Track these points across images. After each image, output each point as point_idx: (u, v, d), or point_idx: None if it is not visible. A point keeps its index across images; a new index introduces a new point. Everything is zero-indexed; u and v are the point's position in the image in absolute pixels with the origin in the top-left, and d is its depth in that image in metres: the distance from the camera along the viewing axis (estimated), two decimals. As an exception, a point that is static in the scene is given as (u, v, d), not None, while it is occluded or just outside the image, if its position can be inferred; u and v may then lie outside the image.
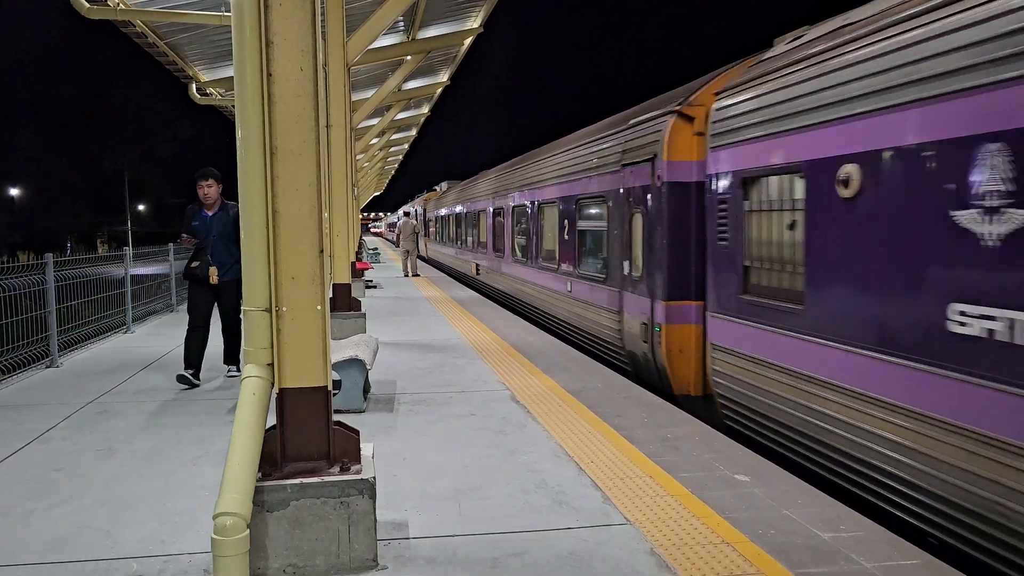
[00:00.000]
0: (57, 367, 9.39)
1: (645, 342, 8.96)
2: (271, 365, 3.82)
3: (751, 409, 6.84)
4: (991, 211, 4.22)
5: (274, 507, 3.69)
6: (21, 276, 9.35)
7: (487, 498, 4.86)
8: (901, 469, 4.89)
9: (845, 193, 5.42)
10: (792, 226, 6.25)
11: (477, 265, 21.93)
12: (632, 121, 9.72)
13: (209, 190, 8.22)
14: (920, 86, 4.72)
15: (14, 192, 65.26)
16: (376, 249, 39.58)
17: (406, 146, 41.28)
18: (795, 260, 6.21)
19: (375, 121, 24.10)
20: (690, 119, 8.30)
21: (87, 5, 10.19)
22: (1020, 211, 4.04)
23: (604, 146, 10.70)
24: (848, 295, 5.44)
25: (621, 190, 9.79)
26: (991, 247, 4.23)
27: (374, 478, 3.82)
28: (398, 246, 28.15)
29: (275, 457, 3.83)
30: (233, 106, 4.94)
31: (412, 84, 21.57)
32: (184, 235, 8.34)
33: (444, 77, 21.94)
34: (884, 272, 5.07)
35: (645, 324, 8.98)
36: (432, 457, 5.73)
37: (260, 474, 3.72)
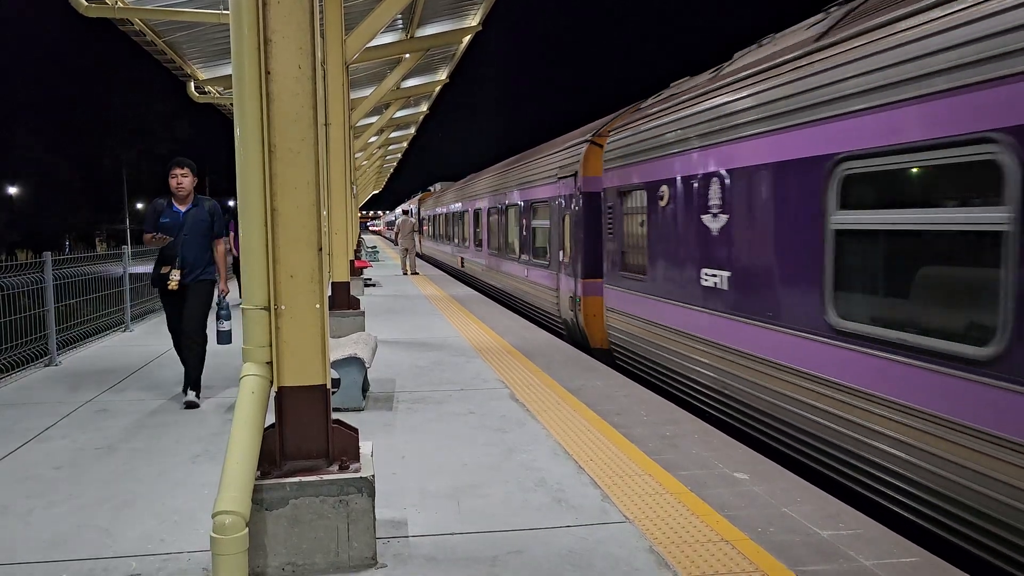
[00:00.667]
0: (56, 366, 9.38)
1: (571, 311, 12.14)
2: (270, 363, 3.82)
3: (629, 351, 9.79)
4: (713, 215, 7.36)
5: (273, 505, 3.69)
6: (20, 275, 9.34)
7: (486, 496, 4.86)
8: (691, 364, 7.89)
9: (662, 203, 8.54)
10: (641, 224, 9.22)
11: (462, 259, 25.22)
12: (564, 145, 13.11)
13: (184, 180, 7.26)
14: (677, 144, 8.14)
15: (12, 191, 65.26)
16: (375, 247, 39.57)
17: (405, 144, 41.24)
18: (642, 246, 9.24)
19: (374, 119, 24.06)
20: (600, 146, 11.23)
21: (85, 3, 10.16)
22: (725, 215, 7.12)
23: (547, 162, 13.91)
24: (663, 267, 8.63)
25: (557, 197, 12.95)
26: (713, 235, 7.35)
27: (373, 476, 3.82)
28: (397, 244, 28.09)
29: (274, 455, 3.83)
30: (231, 104, 4.94)
31: (411, 82, 21.54)
32: (152, 234, 7.18)
33: (443, 75, 21.92)
34: (677, 251, 8.20)
35: (572, 297, 12.15)
36: (431, 455, 5.73)
37: (259, 472, 3.72)
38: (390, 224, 70.40)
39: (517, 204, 16.37)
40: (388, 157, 46.79)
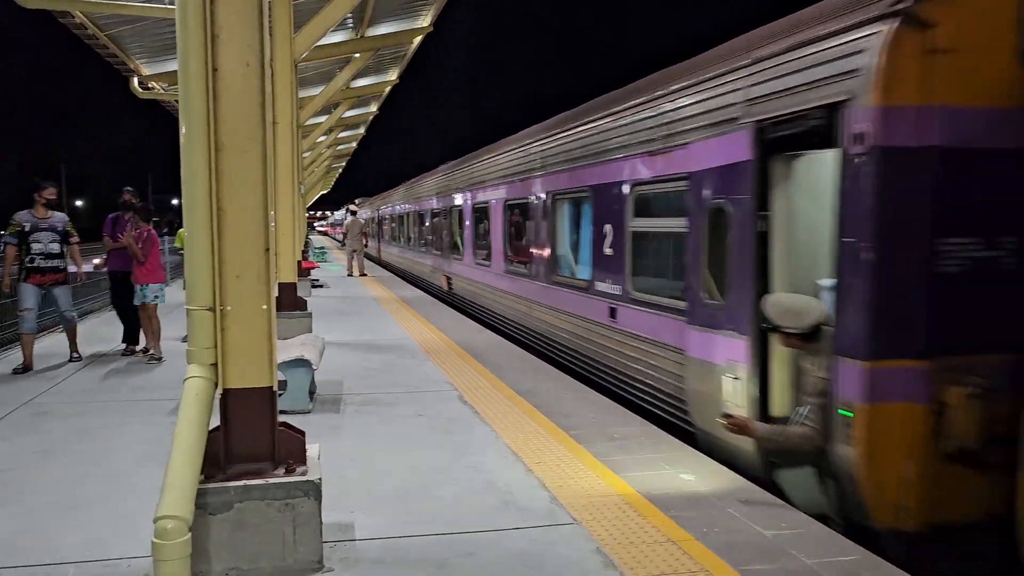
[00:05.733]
0: (-12, 367, 9.07)
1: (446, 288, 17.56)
2: (215, 365, 3.75)
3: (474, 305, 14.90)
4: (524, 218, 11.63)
5: (217, 509, 3.62)
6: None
7: (435, 499, 4.85)
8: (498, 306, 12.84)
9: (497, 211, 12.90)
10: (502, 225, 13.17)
11: (448, 278, 25.55)
12: (450, 164, 18.29)
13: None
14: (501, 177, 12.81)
15: (-56, 185, 62.85)
16: (323, 248, 39.11)
17: (354, 144, 40.85)
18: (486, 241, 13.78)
19: (322, 119, 23.78)
20: None
21: (24, -7, 9.85)
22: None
23: (443, 179, 18.41)
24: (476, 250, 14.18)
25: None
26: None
27: (320, 479, 3.78)
28: (344, 245, 27.82)
29: (219, 459, 3.76)
30: (177, 101, 4.83)
31: (360, 82, 21.36)
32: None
33: (393, 75, 21.78)
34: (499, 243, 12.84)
35: (447, 277, 17.92)
36: (380, 458, 5.69)
37: (203, 476, 3.65)
38: (337, 224, 69.76)
39: (424, 210, 22.05)
40: (337, 157, 46.28)
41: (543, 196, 10.53)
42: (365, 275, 24.30)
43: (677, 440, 6.17)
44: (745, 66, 5.84)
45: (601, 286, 8.49)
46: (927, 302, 4.48)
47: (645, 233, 7.72)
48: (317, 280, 20.72)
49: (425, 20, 16.14)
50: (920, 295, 4.48)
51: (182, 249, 10.34)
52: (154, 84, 15.58)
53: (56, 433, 6.29)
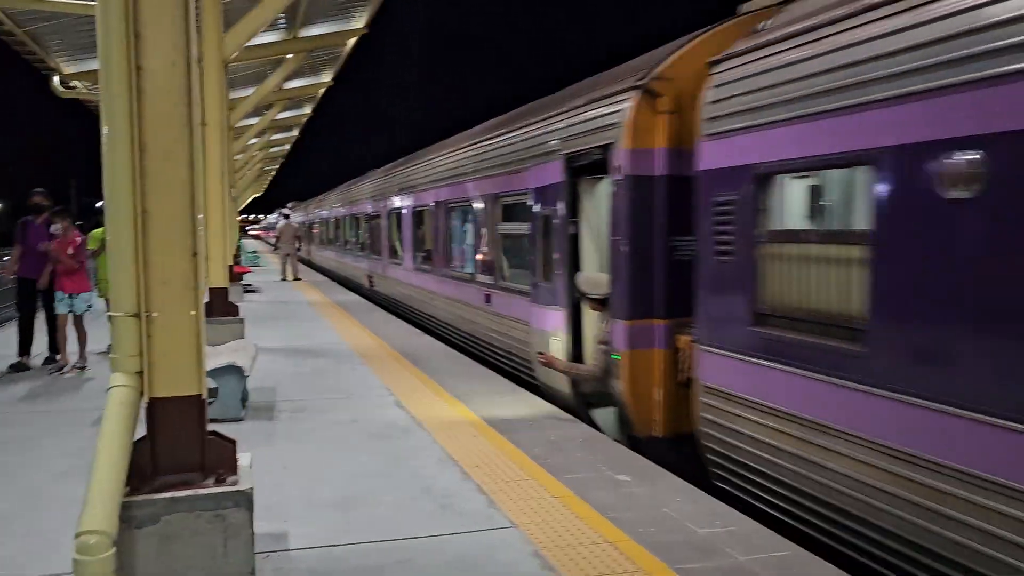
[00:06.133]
0: None
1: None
2: (140, 373, 3.62)
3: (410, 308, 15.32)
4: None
5: (143, 523, 3.50)
6: None
7: (371, 505, 4.79)
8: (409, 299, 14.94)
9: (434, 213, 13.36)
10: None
11: (309, 250, 32.90)
12: (367, 175, 20.92)
13: None
14: (406, 189, 15.18)
15: None
16: (255, 252, 38.35)
17: (288, 147, 40.20)
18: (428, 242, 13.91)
19: (255, 120, 23.33)
20: None
21: (-66, -14, 9.42)
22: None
23: (361, 188, 21.19)
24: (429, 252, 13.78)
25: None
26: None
27: (252, 489, 3.69)
28: (277, 249, 27.36)
29: (144, 470, 3.63)
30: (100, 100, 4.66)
31: (294, 83, 21.03)
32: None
33: (327, 77, 21.51)
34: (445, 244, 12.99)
35: (368, 276, 19.82)
36: (314, 465, 5.59)
37: (128, 488, 3.51)
38: (269, 228, 68.49)
39: (345, 215, 25.59)
40: (270, 160, 45.45)
41: (437, 205, 12.78)
42: (299, 279, 23.92)
43: (613, 441, 6.24)
44: (561, 114, 8.06)
45: (480, 278, 10.62)
46: (665, 280, 6.42)
47: (507, 235, 9.77)
48: (250, 285, 20.31)
49: (360, 21, 15.99)
50: (661, 275, 6.43)
51: (97, 252, 10.07)
52: (77, 83, 15.07)
53: (-29, 447, 6.01)
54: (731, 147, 5.37)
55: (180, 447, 3.69)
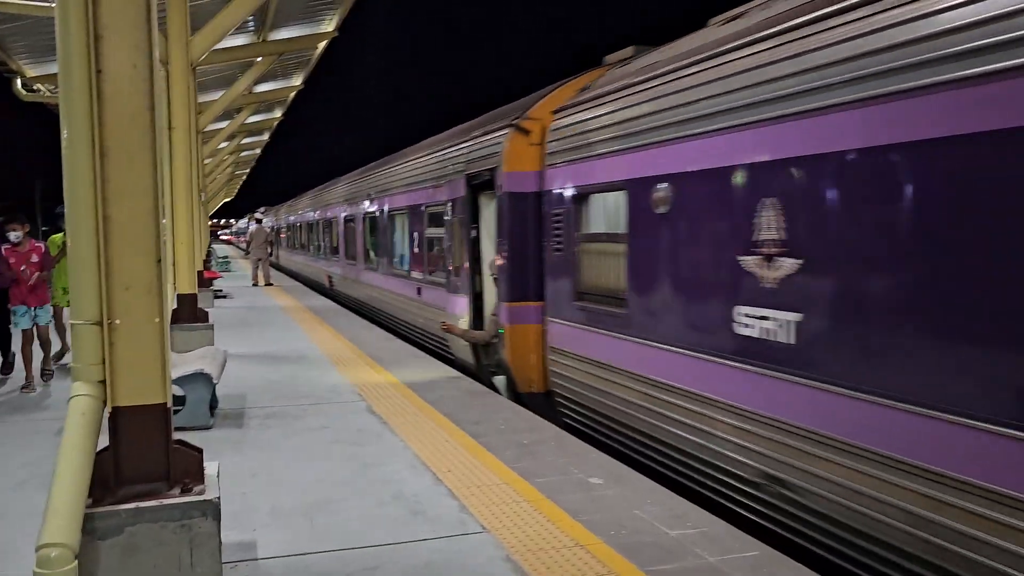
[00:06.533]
0: None
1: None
2: (103, 382, 3.56)
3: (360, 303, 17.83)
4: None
5: (107, 534, 3.43)
6: None
7: (341, 513, 4.74)
8: (361, 294, 17.41)
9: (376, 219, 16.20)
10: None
11: (276, 254, 35.27)
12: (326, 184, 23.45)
13: None
14: (358, 197, 17.77)
15: None
16: (226, 257, 37.97)
17: (258, 151, 39.88)
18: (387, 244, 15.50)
19: (224, 124, 23.11)
20: None
21: None
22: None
23: (321, 195, 24.16)
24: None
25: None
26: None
27: (218, 498, 3.63)
28: (249, 254, 27.12)
29: (108, 480, 3.56)
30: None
31: (264, 87, 20.86)
32: None
33: (298, 81, 21.36)
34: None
35: (328, 276, 21.83)
36: (284, 473, 5.53)
37: (91, 500, 3.45)
38: (240, 233, 67.84)
39: (314, 221, 26.42)
40: (241, 164, 45.04)
41: (380, 213, 15.18)
42: (271, 284, 23.72)
43: (586, 444, 6.24)
44: (464, 141, 10.24)
45: (413, 274, 12.81)
46: (537, 272, 8.13)
47: (432, 238, 11.73)
48: (220, 290, 20.10)
49: (330, 24, 15.89)
50: (535, 268, 8.15)
51: (57, 258, 9.71)
52: (40, 86, 14.83)
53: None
54: (561, 174, 7.64)
55: (144, 457, 3.62)
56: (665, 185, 5.84)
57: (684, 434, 5.67)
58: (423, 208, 11.93)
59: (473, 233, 9.46)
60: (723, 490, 5.32)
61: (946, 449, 3.63)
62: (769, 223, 4.77)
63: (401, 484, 5.25)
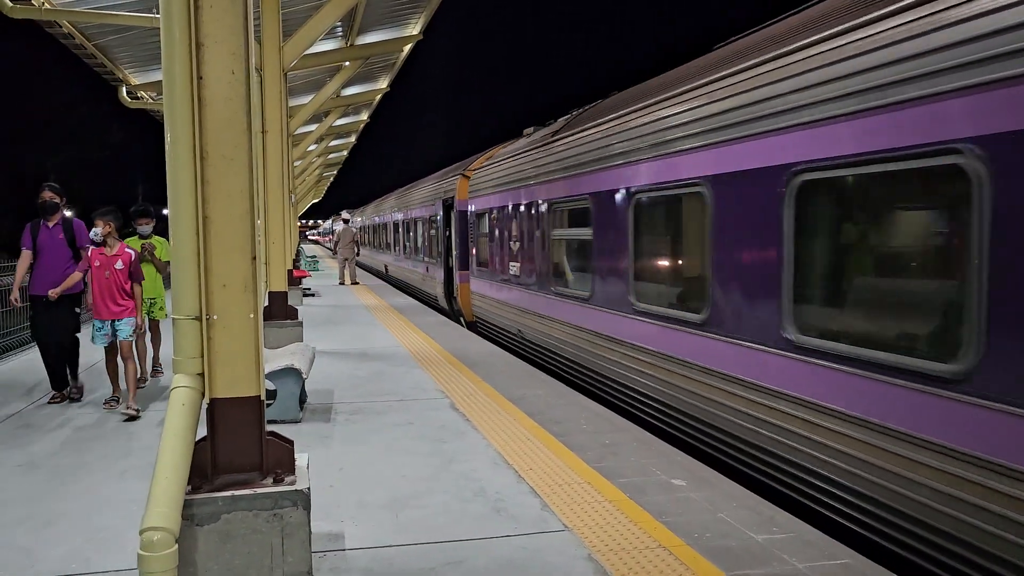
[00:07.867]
0: (-24, 379, 8.99)
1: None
2: (201, 375, 3.72)
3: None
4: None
5: (204, 521, 3.59)
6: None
7: (425, 507, 4.82)
8: (398, 273, 26.94)
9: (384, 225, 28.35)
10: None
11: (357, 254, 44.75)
12: (390, 193, 33.89)
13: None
14: (396, 207, 27.75)
15: (-68, 197, 62.34)
16: (315, 257, 39.03)
17: (345, 153, 40.86)
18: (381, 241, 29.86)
19: (313, 127, 23.78)
20: None
21: (10, 4, 9.80)
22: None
23: (381, 203, 33.87)
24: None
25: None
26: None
27: (309, 489, 3.75)
28: (336, 254, 27.85)
29: (205, 469, 3.73)
30: (163, 109, 4.79)
31: (351, 90, 21.37)
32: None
33: (383, 83, 21.80)
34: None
35: (385, 265, 30.84)
36: (370, 467, 5.66)
37: (190, 487, 3.61)
38: (328, 233, 69.55)
39: (407, 219, 27.46)
40: (328, 166, 46.26)
41: (405, 220, 24.16)
42: (357, 283, 24.27)
43: (669, 445, 6.18)
44: (442, 180, 18.62)
45: (425, 259, 20.20)
46: (470, 255, 15.35)
47: (429, 236, 19.58)
48: (309, 289, 20.69)
49: (415, 28, 16.17)
50: (469, 251, 15.39)
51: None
52: (143, 94, 15.55)
53: (39, 446, 6.24)
54: (475, 202, 14.52)
55: (240, 447, 3.77)
56: (497, 209, 12.72)
57: (533, 325, 11.04)
58: (422, 219, 20.60)
59: (446, 233, 17.06)
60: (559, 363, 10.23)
61: None
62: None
63: (483, 481, 5.30)
